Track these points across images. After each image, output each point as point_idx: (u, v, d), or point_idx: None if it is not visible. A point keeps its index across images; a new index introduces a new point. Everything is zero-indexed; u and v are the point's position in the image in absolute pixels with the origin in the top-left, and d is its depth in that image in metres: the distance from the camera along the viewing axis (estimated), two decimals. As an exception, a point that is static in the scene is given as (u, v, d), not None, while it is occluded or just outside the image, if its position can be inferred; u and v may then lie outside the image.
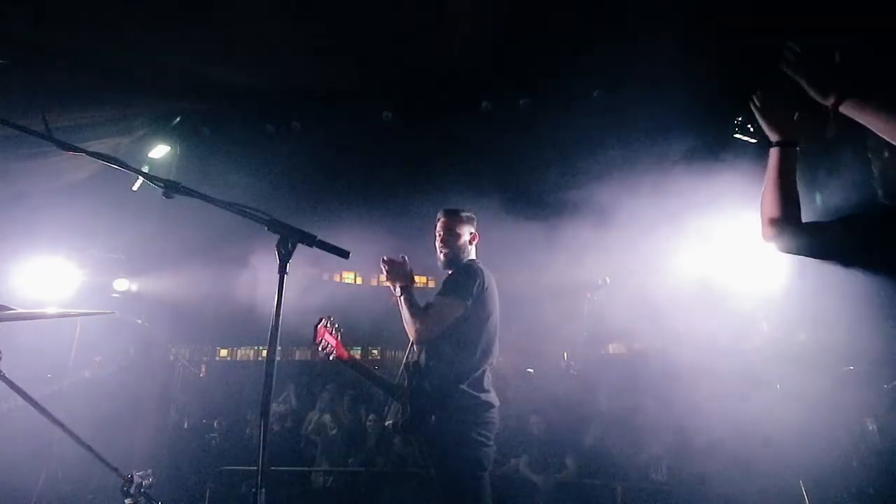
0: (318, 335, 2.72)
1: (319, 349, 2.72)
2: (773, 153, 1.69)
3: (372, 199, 6.57)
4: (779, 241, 1.69)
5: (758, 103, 1.73)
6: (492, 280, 2.84)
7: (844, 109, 1.50)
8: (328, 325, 2.76)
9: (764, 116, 1.71)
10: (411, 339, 2.75)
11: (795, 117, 1.70)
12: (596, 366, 7.66)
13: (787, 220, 1.66)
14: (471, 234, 2.96)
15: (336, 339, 2.78)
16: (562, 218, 5.37)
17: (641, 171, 4.87)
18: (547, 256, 5.79)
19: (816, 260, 1.69)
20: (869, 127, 1.49)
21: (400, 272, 2.81)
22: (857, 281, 1.68)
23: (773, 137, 1.70)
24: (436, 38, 4.31)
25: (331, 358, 2.76)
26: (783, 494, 4.05)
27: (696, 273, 5.23)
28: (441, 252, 2.93)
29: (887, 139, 1.47)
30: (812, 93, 1.56)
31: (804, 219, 1.67)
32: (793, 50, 1.57)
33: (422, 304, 2.80)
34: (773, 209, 1.68)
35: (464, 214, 2.97)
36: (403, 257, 2.84)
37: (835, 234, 1.62)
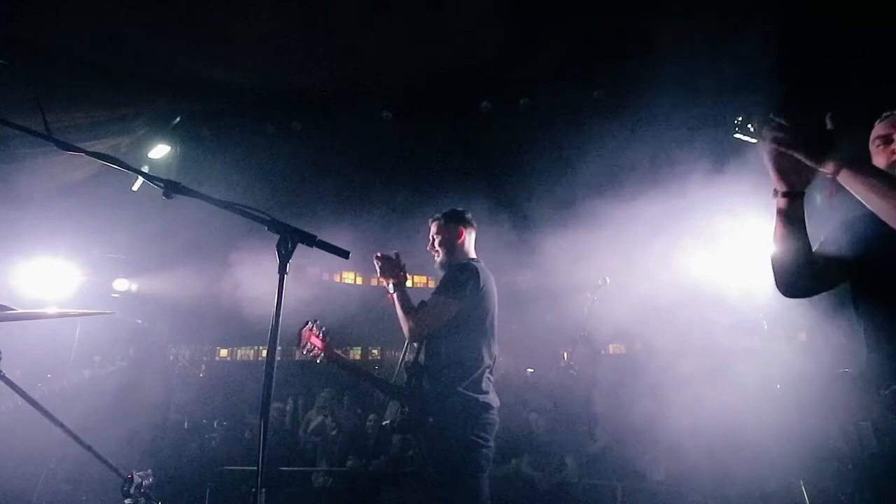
0: (303, 339, 2.74)
1: (304, 352, 2.74)
2: (781, 202, 1.61)
3: (372, 199, 6.56)
4: (797, 291, 1.67)
5: (775, 149, 1.55)
6: (489, 279, 2.83)
7: (842, 179, 1.43)
8: (314, 327, 2.76)
9: (774, 164, 1.59)
10: (406, 337, 2.75)
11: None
12: (596, 366, 7.64)
13: (804, 268, 1.61)
14: (460, 230, 2.93)
15: (322, 341, 2.76)
16: (561, 217, 5.36)
17: (642, 171, 4.87)
18: (546, 256, 5.79)
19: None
20: (864, 202, 1.42)
21: (393, 268, 2.81)
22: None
23: (781, 188, 1.61)
24: (436, 38, 4.31)
25: (318, 361, 2.76)
26: (783, 494, 4.04)
27: (696, 273, 5.21)
28: (434, 255, 2.95)
29: (883, 218, 1.38)
30: (810, 163, 1.47)
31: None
32: (780, 124, 1.48)
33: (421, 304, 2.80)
34: (786, 260, 1.61)
35: (453, 215, 2.96)
36: (396, 253, 2.84)
37: (828, 250, 1.62)
